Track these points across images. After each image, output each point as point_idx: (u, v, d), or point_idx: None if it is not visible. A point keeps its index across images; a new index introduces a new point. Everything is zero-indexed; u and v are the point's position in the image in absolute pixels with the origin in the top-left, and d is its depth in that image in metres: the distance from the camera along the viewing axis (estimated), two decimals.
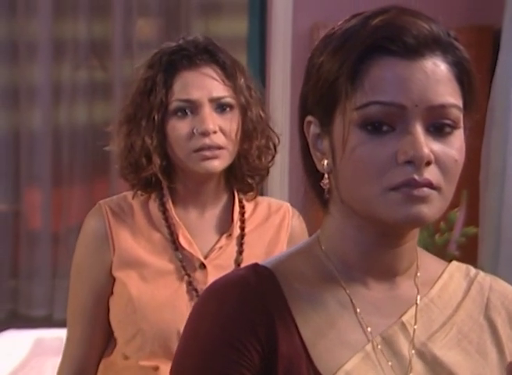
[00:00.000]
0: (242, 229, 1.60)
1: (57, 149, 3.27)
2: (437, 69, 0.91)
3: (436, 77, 0.90)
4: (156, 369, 1.52)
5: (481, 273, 1.04)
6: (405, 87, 0.90)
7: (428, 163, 0.89)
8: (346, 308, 0.95)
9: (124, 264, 1.56)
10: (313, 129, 0.96)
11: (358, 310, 0.95)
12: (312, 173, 0.98)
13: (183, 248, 1.56)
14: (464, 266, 1.05)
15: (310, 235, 1.57)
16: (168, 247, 1.57)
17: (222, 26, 3.35)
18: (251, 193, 1.62)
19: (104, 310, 1.59)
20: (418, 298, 0.98)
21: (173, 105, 1.53)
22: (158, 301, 1.53)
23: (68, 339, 1.64)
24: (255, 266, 0.98)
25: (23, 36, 3.23)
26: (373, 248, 0.96)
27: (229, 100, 1.54)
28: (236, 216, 1.60)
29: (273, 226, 1.62)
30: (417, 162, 0.89)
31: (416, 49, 0.90)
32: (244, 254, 1.58)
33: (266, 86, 3.26)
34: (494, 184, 2.95)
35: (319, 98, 0.94)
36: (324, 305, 0.95)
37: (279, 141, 1.63)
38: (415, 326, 0.97)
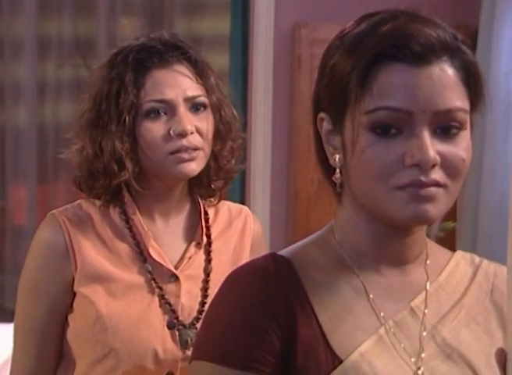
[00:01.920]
0: (208, 236, 1.51)
1: (42, 146, 3.31)
2: (444, 74, 0.94)
3: (443, 83, 0.93)
4: None
5: (485, 261, 1.09)
6: (412, 94, 0.93)
7: (434, 165, 0.93)
8: (359, 294, 1.00)
9: (89, 279, 1.43)
10: (325, 125, 1.00)
11: (371, 296, 1.00)
12: (325, 166, 1.03)
13: (153, 259, 1.45)
14: (468, 254, 1.10)
15: (271, 238, 1.58)
16: (135, 258, 1.45)
17: (204, 25, 3.38)
18: (212, 198, 1.54)
19: (59, 329, 1.46)
20: (428, 283, 1.03)
21: (146, 106, 1.42)
22: (131, 317, 1.42)
23: (16, 362, 1.49)
24: (273, 254, 1.03)
25: (8, 34, 3.26)
26: (383, 239, 1.00)
27: (203, 99, 1.45)
28: (203, 223, 1.51)
29: (237, 232, 1.55)
30: (423, 166, 0.93)
31: (423, 56, 0.93)
32: (213, 262, 1.50)
33: (248, 84, 3.30)
34: (471, 180, 3.01)
35: (331, 99, 0.98)
36: (339, 291, 0.99)
37: (243, 142, 1.55)
38: (425, 311, 1.01)
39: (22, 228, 3.30)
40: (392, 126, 0.94)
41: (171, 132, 1.42)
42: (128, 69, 1.43)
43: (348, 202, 1.02)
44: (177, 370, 1.42)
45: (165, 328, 1.43)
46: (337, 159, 0.99)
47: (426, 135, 0.93)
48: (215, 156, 1.50)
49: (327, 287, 0.99)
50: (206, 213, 1.53)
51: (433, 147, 0.93)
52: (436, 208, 0.94)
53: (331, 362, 0.96)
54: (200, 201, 1.53)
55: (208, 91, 1.47)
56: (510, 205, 0.86)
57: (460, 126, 0.96)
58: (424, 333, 1.00)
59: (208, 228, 1.52)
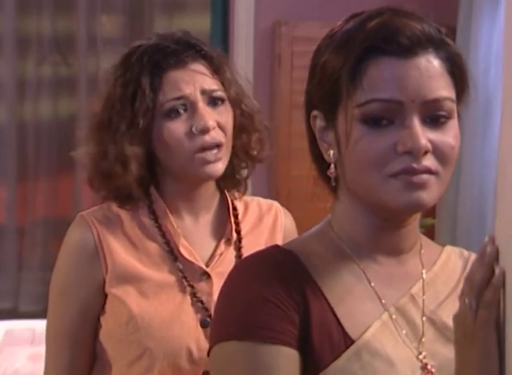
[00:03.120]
0: (238, 232, 1.51)
1: (22, 144, 3.30)
2: (430, 65, 0.98)
3: (429, 73, 0.98)
4: None
5: (474, 254, 1.13)
6: (401, 85, 0.97)
7: (426, 153, 0.97)
8: (362, 282, 1.04)
9: (120, 280, 1.42)
10: (319, 122, 1.04)
11: (373, 284, 1.04)
12: (320, 163, 1.06)
13: (184, 258, 1.45)
14: (457, 248, 1.15)
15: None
16: (166, 257, 1.45)
17: (184, 23, 3.38)
18: (238, 189, 1.55)
19: (92, 331, 1.46)
20: (424, 272, 1.08)
21: (166, 106, 1.41)
22: (164, 317, 1.41)
23: (50, 364, 1.48)
24: (276, 246, 1.08)
25: None
26: (379, 230, 1.05)
27: (220, 93, 1.45)
28: (232, 219, 1.51)
29: (267, 228, 1.56)
30: (415, 153, 0.96)
31: (410, 48, 0.98)
32: None
33: None
34: (450, 177, 3.04)
35: (323, 95, 1.02)
36: (341, 277, 1.04)
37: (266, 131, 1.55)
38: (424, 297, 1.06)
39: (2, 226, 3.27)
40: (383, 118, 0.98)
41: (193, 129, 1.41)
42: (144, 71, 1.42)
43: (344, 196, 1.06)
44: None
45: (199, 326, 1.43)
46: (331, 154, 1.03)
47: (417, 124, 0.97)
48: (243, 149, 1.50)
49: (331, 273, 1.03)
50: (235, 209, 1.53)
51: (424, 135, 0.97)
52: (429, 195, 0.98)
53: (343, 341, 0.99)
54: (228, 196, 1.53)
55: (226, 85, 1.46)
56: (496, 200, 0.89)
57: (448, 115, 1.00)
58: (424, 319, 1.04)
59: (237, 224, 1.52)
